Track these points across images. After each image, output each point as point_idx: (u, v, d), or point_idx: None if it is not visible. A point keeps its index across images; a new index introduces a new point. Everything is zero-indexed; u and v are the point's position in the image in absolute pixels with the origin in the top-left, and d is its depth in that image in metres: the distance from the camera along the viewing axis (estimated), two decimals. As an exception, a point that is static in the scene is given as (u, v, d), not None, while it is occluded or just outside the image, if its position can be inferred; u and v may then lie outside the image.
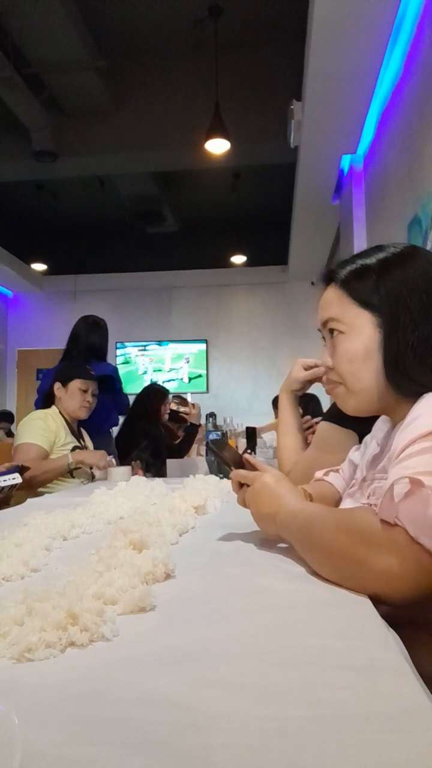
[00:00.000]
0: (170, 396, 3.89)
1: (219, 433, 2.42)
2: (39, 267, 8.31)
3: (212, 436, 2.48)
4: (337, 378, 0.88)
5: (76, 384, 2.36)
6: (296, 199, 5.42)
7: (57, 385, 2.38)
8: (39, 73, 5.08)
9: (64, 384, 2.38)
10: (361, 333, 0.84)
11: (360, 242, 4.43)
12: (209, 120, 4.76)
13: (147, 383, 4.65)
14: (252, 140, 5.39)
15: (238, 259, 8.22)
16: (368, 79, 3.53)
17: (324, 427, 1.29)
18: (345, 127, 4.09)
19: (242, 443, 4.53)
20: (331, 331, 0.88)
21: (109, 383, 2.57)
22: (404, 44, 3.16)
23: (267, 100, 5.27)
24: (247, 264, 8.34)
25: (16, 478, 1.60)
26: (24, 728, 0.32)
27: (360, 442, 1.08)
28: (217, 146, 4.82)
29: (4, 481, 1.56)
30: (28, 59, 4.92)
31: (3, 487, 1.56)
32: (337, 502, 1.03)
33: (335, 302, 0.88)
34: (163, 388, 3.80)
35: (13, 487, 1.60)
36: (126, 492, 1.45)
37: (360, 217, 4.52)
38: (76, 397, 2.35)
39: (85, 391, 2.37)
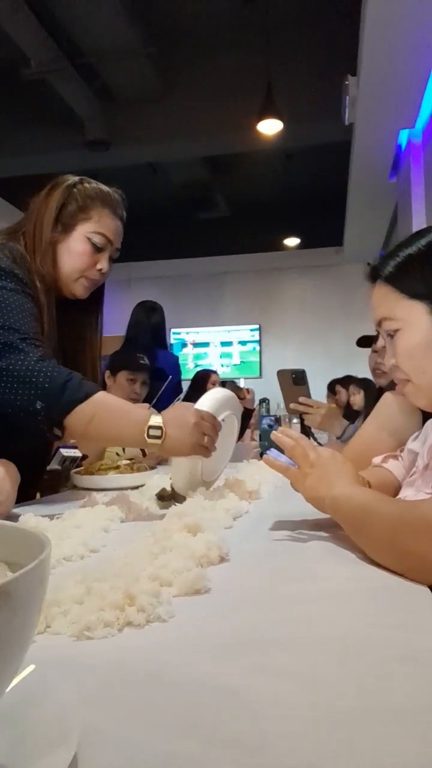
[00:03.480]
0: (215, 375, 3.91)
1: (273, 417, 2.39)
2: (94, 256, 8.46)
3: (266, 423, 2.45)
4: (404, 376, 0.86)
5: (123, 375, 2.39)
6: (351, 178, 5.28)
7: (107, 374, 2.43)
8: (91, 63, 5.13)
9: (113, 374, 2.41)
10: (416, 325, 0.81)
11: (419, 220, 4.28)
12: (261, 101, 4.68)
13: (197, 369, 4.72)
14: (305, 120, 5.27)
15: (291, 241, 8.10)
16: (427, 49, 3.38)
17: (388, 399, 1.25)
18: (403, 100, 3.94)
19: (296, 427, 4.50)
20: (387, 332, 0.86)
21: (159, 374, 2.57)
22: (467, 9, 3.00)
23: (320, 76, 5.12)
24: (300, 246, 8.21)
25: (76, 452, 1.61)
26: (83, 705, 0.33)
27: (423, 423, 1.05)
28: (270, 127, 4.75)
29: (67, 452, 1.58)
30: (81, 49, 4.98)
31: (65, 458, 1.58)
32: (396, 490, 1.01)
33: (384, 300, 0.86)
34: (207, 369, 3.83)
35: (74, 461, 1.61)
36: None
37: (419, 195, 4.36)
38: (123, 388, 2.37)
39: (133, 382, 2.39)
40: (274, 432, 0.93)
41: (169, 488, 1.17)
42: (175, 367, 3.06)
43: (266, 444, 2.14)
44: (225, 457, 1.26)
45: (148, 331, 3.00)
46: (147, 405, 1.15)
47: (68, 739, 0.30)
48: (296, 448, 0.89)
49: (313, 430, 1.91)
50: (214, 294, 8.64)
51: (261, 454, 0.99)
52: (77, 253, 1.25)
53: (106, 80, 5.41)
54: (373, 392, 2.88)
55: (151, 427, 1.03)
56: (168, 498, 1.13)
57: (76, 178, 1.29)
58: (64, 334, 1.30)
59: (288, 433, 0.91)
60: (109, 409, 1.07)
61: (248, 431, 3.89)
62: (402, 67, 3.54)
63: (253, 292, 8.54)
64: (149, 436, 1.03)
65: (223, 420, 1.13)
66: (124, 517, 1.03)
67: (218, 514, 0.96)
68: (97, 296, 1.38)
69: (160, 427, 1.03)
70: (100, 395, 1.07)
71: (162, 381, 2.63)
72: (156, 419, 1.04)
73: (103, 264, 1.29)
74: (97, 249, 1.27)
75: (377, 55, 3.46)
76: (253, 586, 0.66)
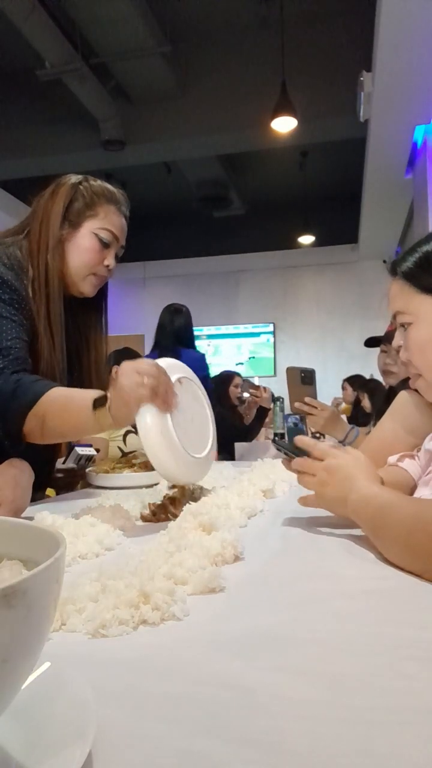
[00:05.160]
0: (238, 378, 3.94)
1: (297, 417, 2.37)
2: (109, 255, 8.50)
3: (292, 421, 2.44)
4: (416, 370, 0.86)
5: None
6: (367, 174, 5.24)
7: (115, 369, 2.46)
8: (106, 63, 5.16)
9: None
10: (428, 320, 0.82)
11: (435, 217, 4.24)
12: (276, 98, 4.67)
13: (214, 367, 4.75)
14: (320, 116, 5.25)
15: (306, 239, 8.07)
16: (444, 42, 3.34)
17: (404, 397, 1.24)
18: (419, 96, 3.90)
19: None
20: (402, 324, 0.87)
21: None
22: None
23: (335, 73, 5.10)
24: (315, 244, 8.18)
25: (91, 451, 1.63)
26: (98, 702, 0.33)
27: None
28: (284, 125, 4.73)
29: (82, 450, 1.59)
30: (95, 49, 5.00)
31: (81, 457, 1.59)
32: (412, 490, 1.00)
33: (399, 294, 0.88)
34: (231, 371, 3.88)
35: (89, 459, 1.62)
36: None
37: (435, 191, 4.32)
38: None
39: None
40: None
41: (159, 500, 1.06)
42: (199, 362, 3.11)
43: (291, 446, 2.10)
44: (203, 426, 1.14)
45: (171, 334, 3.09)
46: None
47: (83, 736, 0.30)
48: (304, 479, 0.89)
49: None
50: (229, 292, 8.64)
51: (284, 452, 0.96)
52: (85, 249, 1.25)
53: (121, 80, 5.43)
54: (381, 394, 2.86)
55: (95, 399, 1.00)
56: (157, 512, 1.02)
57: (81, 177, 1.29)
58: (69, 335, 1.29)
59: (295, 467, 0.90)
60: (56, 402, 1.04)
61: (263, 430, 3.88)
62: (417, 62, 3.50)
63: (268, 290, 8.52)
64: (95, 408, 0.99)
65: (179, 381, 1.05)
66: (138, 517, 1.01)
67: (233, 513, 0.96)
68: (100, 296, 1.37)
69: (103, 396, 0.99)
70: (48, 394, 1.05)
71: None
72: (99, 393, 1.01)
73: (110, 260, 1.29)
74: (105, 245, 1.27)
75: (392, 50, 3.42)
76: (268, 584, 0.66)
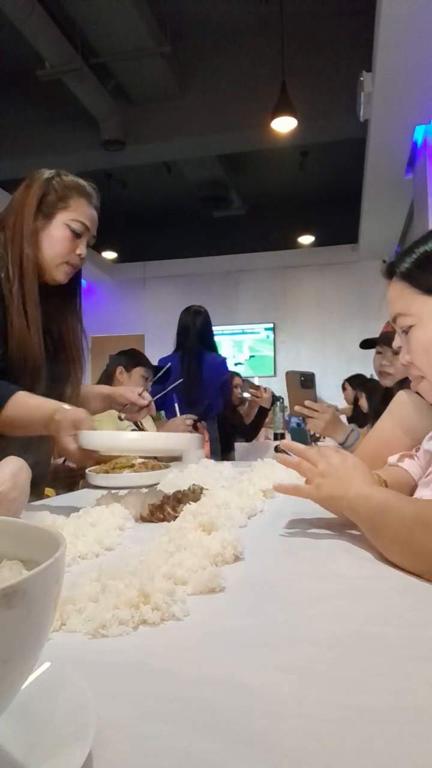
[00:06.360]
0: (238, 378, 3.94)
1: (300, 418, 2.38)
2: (109, 255, 8.50)
3: (294, 421, 2.45)
4: (418, 372, 0.86)
5: (139, 371, 2.47)
6: (367, 174, 5.24)
7: (120, 370, 2.48)
8: (106, 63, 5.16)
9: (128, 369, 2.47)
10: (430, 321, 0.81)
11: (435, 217, 4.24)
12: (275, 98, 4.67)
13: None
14: (320, 116, 5.25)
15: (306, 239, 8.07)
16: (444, 42, 3.34)
17: (403, 397, 1.24)
18: (419, 96, 3.90)
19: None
20: (402, 327, 0.86)
21: (166, 375, 2.64)
22: None
23: (335, 73, 5.10)
24: (315, 244, 8.18)
25: None
26: (98, 702, 0.33)
27: None
28: (284, 124, 4.73)
29: None
30: (96, 49, 5.00)
31: None
32: (412, 489, 1.00)
33: (399, 296, 0.86)
34: (232, 372, 3.89)
35: None
36: (195, 474, 1.47)
37: (435, 191, 4.32)
38: (137, 383, 2.43)
39: (146, 379, 2.46)
40: (279, 455, 0.94)
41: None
42: (221, 366, 3.12)
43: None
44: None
45: (195, 336, 3.05)
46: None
47: (83, 736, 0.30)
48: (301, 465, 0.88)
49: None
50: (228, 292, 8.63)
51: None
52: (58, 239, 1.33)
53: (121, 80, 5.43)
54: (378, 394, 2.85)
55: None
56: (156, 512, 1.05)
57: (53, 171, 1.37)
58: (49, 321, 1.36)
59: (291, 448, 0.91)
60: (15, 421, 1.16)
61: (263, 430, 3.89)
62: (417, 62, 3.50)
63: (267, 290, 8.52)
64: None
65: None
66: (137, 517, 1.03)
67: (232, 513, 0.96)
68: (73, 282, 1.44)
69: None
70: (7, 408, 1.14)
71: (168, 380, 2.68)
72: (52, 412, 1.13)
73: (81, 249, 1.36)
74: (77, 235, 1.34)
75: (392, 50, 3.42)
76: (268, 584, 0.66)
